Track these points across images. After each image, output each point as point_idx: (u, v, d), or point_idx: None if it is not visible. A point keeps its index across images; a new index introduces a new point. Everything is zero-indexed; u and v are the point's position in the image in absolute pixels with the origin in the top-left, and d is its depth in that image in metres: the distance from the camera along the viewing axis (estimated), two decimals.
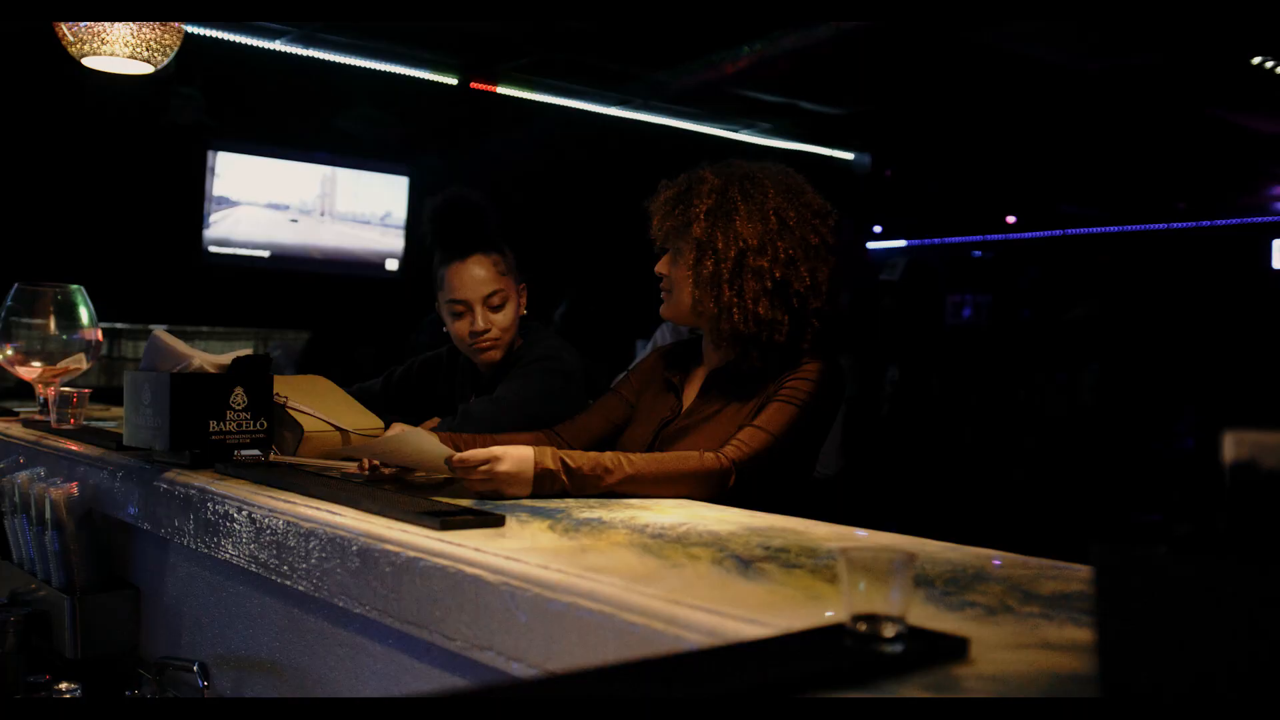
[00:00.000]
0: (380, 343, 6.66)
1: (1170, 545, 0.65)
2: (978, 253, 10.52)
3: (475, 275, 2.46)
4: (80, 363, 2.45)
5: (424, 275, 2.63)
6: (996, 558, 1.23)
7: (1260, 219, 10.15)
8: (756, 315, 1.91)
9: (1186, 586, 0.62)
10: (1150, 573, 0.64)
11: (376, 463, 1.83)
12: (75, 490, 1.97)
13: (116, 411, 2.79)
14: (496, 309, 2.46)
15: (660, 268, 2.06)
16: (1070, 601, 1.02)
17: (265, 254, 6.93)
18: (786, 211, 1.95)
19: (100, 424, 2.51)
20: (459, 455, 1.62)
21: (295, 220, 7.04)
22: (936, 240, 10.35)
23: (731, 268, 1.92)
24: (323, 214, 7.15)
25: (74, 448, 2.14)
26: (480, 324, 2.45)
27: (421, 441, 1.69)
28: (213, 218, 6.74)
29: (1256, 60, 6.23)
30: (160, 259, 6.44)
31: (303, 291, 7.03)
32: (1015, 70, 6.84)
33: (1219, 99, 7.43)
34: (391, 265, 7.36)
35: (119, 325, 6.24)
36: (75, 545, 1.96)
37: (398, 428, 1.97)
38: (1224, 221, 10.08)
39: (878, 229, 10.25)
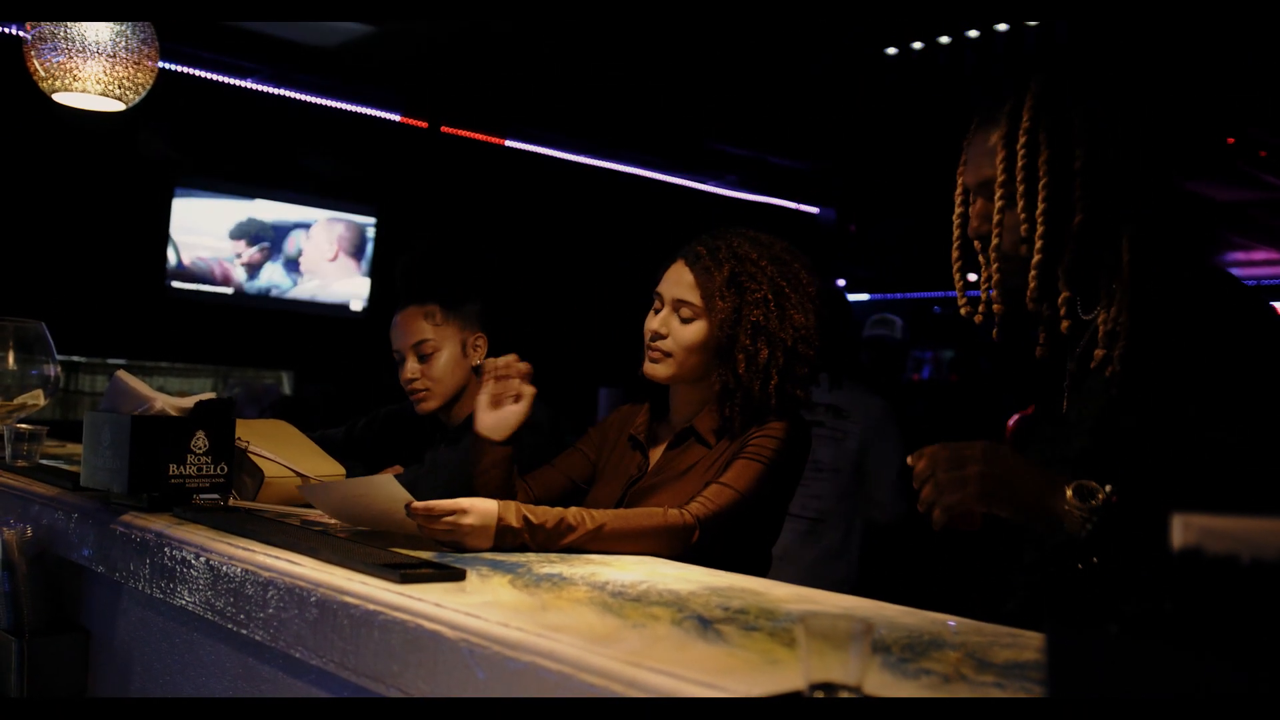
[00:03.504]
0: (339, 382, 6.63)
1: (1120, 625, 0.66)
2: (938, 308, 10.64)
3: (406, 325, 2.55)
4: (38, 399, 2.42)
5: (388, 316, 2.65)
6: (953, 622, 1.25)
7: None
8: (765, 390, 1.93)
9: (1134, 667, 0.63)
10: (1100, 652, 0.65)
11: None
12: (29, 530, 1.95)
13: (73, 448, 2.76)
14: (425, 359, 2.50)
15: (659, 326, 1.99)
16: (1024, 670, 1.04)
17: (228, 291, 6.89)
18: (805, 294, 1.99)
19: (55, 462, 2.48)
20: (422, 503, 1.62)
21: (258, 263, 7.01)
22: (899, 295, 10.46)
23: (768, 348, 1.93)
24: (289, 253, 7.13)
25: (28, 486, 2.11)
26: (408, 373, 2.51)
27: (381, 493, 1.68)
28: (176, 253, 6.70)
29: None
30: (122, 293, 6.39)
31: (266, 330, 7.00)
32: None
33: (1176, 166, 7.58)
34: (356, 306, 7.34)
35: (77, 359, 6.18)
36: (26, 586, 1.93)
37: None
38: None
39: (841, 282, 10.36)
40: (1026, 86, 1.52)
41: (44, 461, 2.41)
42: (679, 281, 1.99)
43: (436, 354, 2.51)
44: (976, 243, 1.59)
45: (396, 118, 7.40)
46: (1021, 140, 1.47)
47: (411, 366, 2.51)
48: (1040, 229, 1.45)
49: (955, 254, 1.59)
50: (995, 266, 1.54)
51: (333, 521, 1.81)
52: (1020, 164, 1.47)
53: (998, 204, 1.52)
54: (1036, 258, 1.46)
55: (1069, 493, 1.35)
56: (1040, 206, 1.45)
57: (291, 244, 7.14)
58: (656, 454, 2.06)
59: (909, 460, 1.44)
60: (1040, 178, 1.46)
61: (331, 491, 1.76)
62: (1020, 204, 1.47)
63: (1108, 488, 1.36)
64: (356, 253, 7.33)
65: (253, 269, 6.96)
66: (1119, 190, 1.46)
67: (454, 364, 2.53)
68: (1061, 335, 1.55)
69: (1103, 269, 1.47)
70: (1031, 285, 1.48)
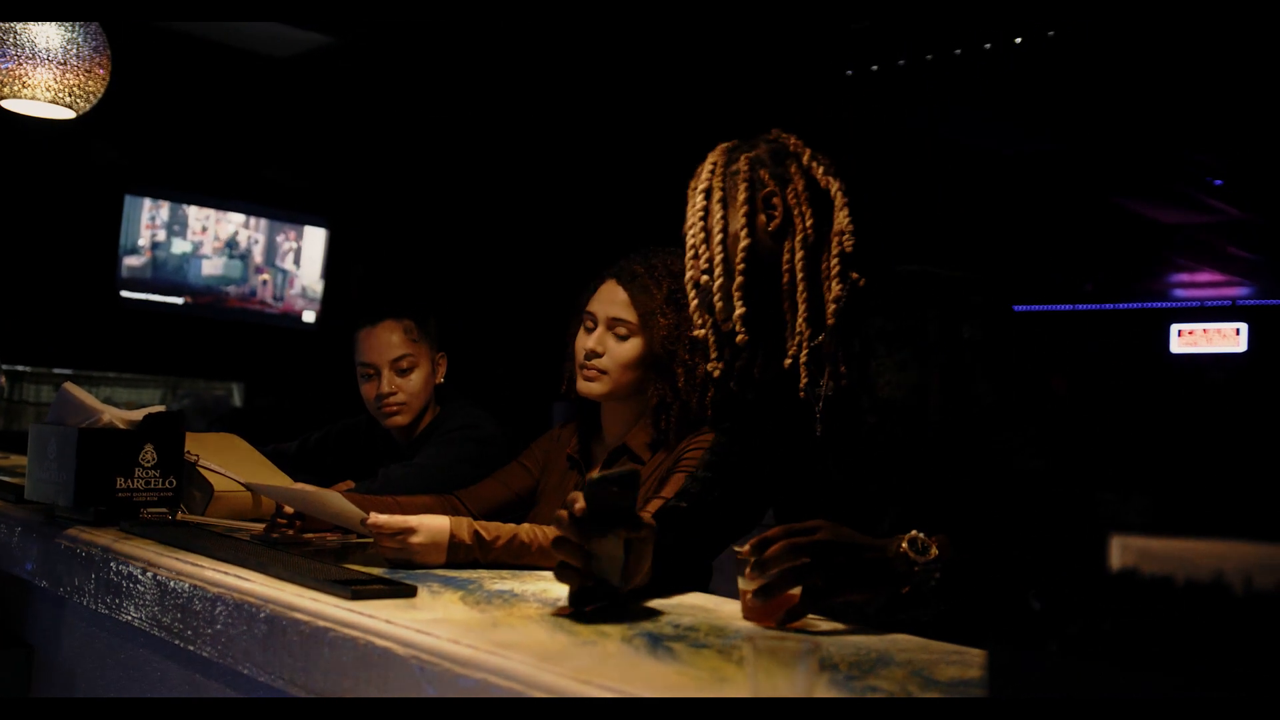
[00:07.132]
0: (291, 394, 6.57)
1: (1060, 644, 0.68)
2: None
3: (383, 340, 2.52)
4: None
5: (341, 328, 2.64)
6: (900, 641, 1.26)
7: (1161, 304, 10.55)
8: (702, 403, 1.94)
9: (1074, 685, 0.65)
10: (1040, 670, 0.67)
11: (284, 523, 1.82)
12: None
13: (16, 460, 2.72)
14: (403, 373, 2.50)
15: (595, 344, 2.00)
16: (969, 688, 1.05)
17: (179, 300, 6.82)
18: None
19: None
20: (374, 519, 1.61)
21: (211, 269, 6.94)
22: None
23: (691, 362, 1.96)
24: (241, 262, 7.07)
25: None
26: (385, 387, 2.49)
27: (335, 501, 1.69)
28: (127, 262, 6.62)
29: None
30: (69, 301, 6.29)
31: (216, 340, 6.92)
32: (936, 152, 7.05)
33: (1124, 189, 7.73)
34: (308, 317, 7.28)
35: (21, 368, 6.07)
36: None
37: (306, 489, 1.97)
38: (1127, 305, 10.44)
39: None
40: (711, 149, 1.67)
41: None
42: (613, 300, 2.01)
43: (414, 369, 2.51)
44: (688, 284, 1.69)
45: (351, 128, 7.36)
46: (702, 189, 1.63)
47: (390, 380, 2.49)
48: (720, 256, 1.60)
49: (692, 295, 1.68)
50: (692, 294, 1.65)
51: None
52: (700, 205, 1.62)
53: (689, 245, 1.65)
54: (718, 281, 1.60)
55: (904, 547, 1.35)
56: (717, 238, 1.60)
57: (244, 254, 7.08)
58: (593, 474, 2.07)
59: (743, 552, 1.34)
60: (717, 213, 1.61)
61: (296, 497, 1.76)
62: (701, 239, 1.62)
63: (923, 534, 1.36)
64: (310, 264, 7.28)
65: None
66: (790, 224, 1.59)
67: (426, 380, 2.54)
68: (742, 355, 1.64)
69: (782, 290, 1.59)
70: (718, 306, 1.61)
